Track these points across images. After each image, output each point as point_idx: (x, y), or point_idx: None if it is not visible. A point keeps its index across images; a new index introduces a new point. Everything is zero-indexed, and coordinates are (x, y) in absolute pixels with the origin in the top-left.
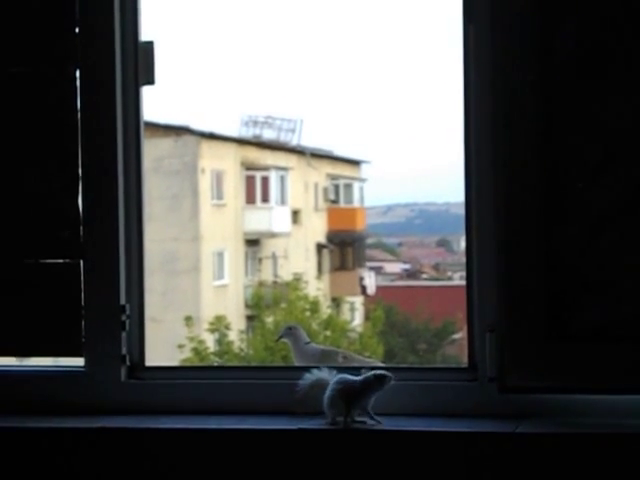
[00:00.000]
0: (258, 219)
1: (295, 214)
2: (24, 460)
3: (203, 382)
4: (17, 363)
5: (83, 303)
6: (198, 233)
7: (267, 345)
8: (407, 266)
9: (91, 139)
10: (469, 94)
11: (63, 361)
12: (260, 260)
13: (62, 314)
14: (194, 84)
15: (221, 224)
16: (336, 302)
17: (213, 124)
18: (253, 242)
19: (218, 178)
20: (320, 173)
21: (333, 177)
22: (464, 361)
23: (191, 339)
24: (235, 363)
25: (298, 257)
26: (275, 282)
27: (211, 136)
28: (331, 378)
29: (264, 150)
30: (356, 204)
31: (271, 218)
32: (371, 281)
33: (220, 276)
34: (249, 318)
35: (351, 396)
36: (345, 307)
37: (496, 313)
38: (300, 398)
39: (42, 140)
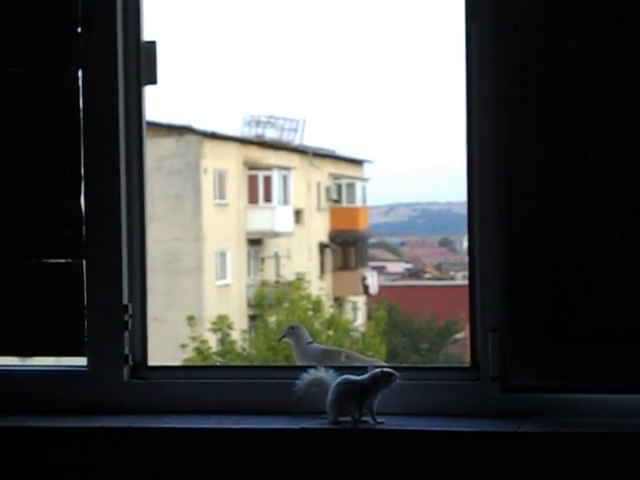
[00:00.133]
0: (260, 219)
1: (298, 214)
2: (26, 460)
3: (206, 382)
4: (20, 363)
5: (86, 303)
6: (200, 233)
7: (270, 345)
8: (409, 266)
9: (93, 139)
10: (471, 93)
11: (65, 361)
12: (263, 260)
13: (64, 314)
14: (196, 84)
15: (223, 224)
16: (338, 302)
17: (215, 124)
18: (256, 242)
19: (220, 178)
20: (322, 173)
21: (335, 177)
22: (466, 360)
23: (193, 339)
24: (237, 363)
25: (301, 257)
26: (278, 282)
27: (213, 136)
28: (329, 377)
29: (266, 150)
30: (358, 204)
31: (274, 218)
32: (373, 281)
33: (222, 276)
34: (252, 318)
35: (360, 395)
36: (347, 307)
37: (498, 313)
38: (298, 398)
39: (44, 140)
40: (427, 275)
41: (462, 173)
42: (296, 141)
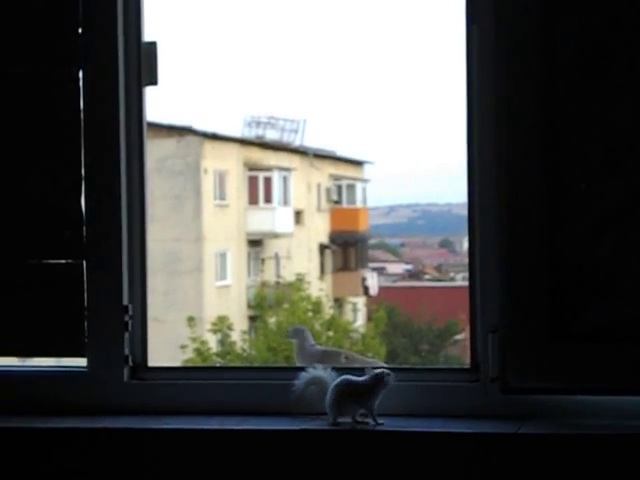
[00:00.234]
0: (261, 219)
1: (298, 215)
2: (26, 460)
3: (205, 383)
4: (20, 363)
5: (86, 303)
6: (201, 233)
7: (269, 345)
8: (409, 267)
9: (94, 139)
10: (472, 94)
11: (66, 361)
12: (263, 261)
13: (65, 314)
14: (197, 84)
15: (224, 224)
16: (338, 303)
17: (216, 125)
18: (256, 242)
19: (221, 178)
20: (323, 174)
21: (336, 178)
22: (466, 362)
23: (193, 339)
24: (237, 364)
25: (301, 258)
26: (278, 283)
27: (214, 136)
28: (327, 376)
29: (267, 151)
30: (359, 205)
31: (274, 219)
32: (373, 282)
33: (223, 276)
34: (251, 319)
35: (360, 395)
36: (347, 308)
37: (498, 314)
38: (297, 397)
39: (45, 140)
40: (427, 276)
41: (462, 174)
42: (296, 142)
